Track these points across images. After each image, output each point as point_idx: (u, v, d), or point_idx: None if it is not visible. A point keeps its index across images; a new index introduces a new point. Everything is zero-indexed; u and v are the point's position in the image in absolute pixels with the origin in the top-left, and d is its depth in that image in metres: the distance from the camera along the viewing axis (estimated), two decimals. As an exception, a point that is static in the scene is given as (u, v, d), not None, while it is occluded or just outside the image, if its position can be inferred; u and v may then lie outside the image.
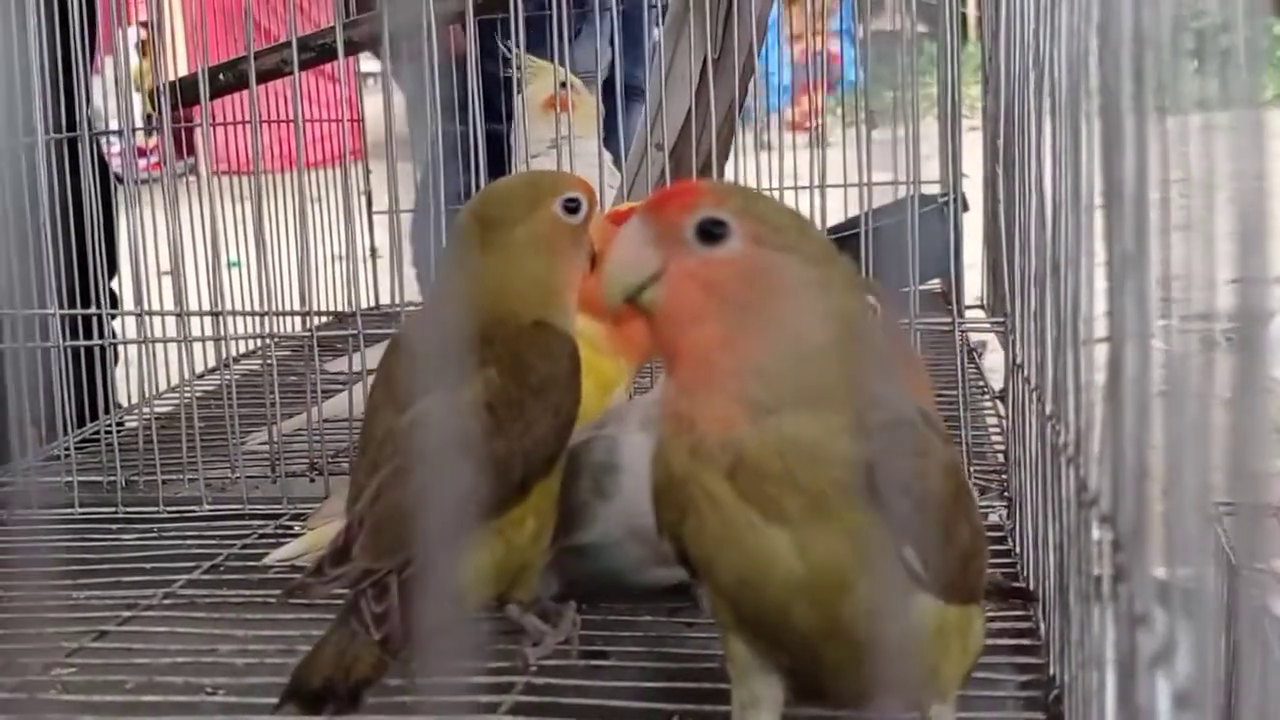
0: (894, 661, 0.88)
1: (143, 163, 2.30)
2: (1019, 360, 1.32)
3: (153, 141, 3.07)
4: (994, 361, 2.22)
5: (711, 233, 0.84)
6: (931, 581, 0.87)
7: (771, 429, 0.83)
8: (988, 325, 1.74)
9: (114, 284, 2.12)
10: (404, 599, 1.02)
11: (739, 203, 0.86)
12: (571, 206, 1.20)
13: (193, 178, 2.48)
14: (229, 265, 2.07)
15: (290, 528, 1.61)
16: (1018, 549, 1.39)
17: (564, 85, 2.08)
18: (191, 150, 3.02)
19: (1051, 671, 1.11)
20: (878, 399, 0.85)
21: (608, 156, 1.93)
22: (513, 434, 1.09)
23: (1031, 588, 1.26)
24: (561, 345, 1.16)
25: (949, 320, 1.69)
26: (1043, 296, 1.10)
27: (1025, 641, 1.21)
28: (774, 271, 0.84)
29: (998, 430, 1.86)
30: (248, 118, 1.89)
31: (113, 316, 1.83)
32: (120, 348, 1.98)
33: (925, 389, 1.14)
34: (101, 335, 1.81)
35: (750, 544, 0.85)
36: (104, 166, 1.96)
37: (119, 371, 2.09)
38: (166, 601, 1.41)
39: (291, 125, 1.69)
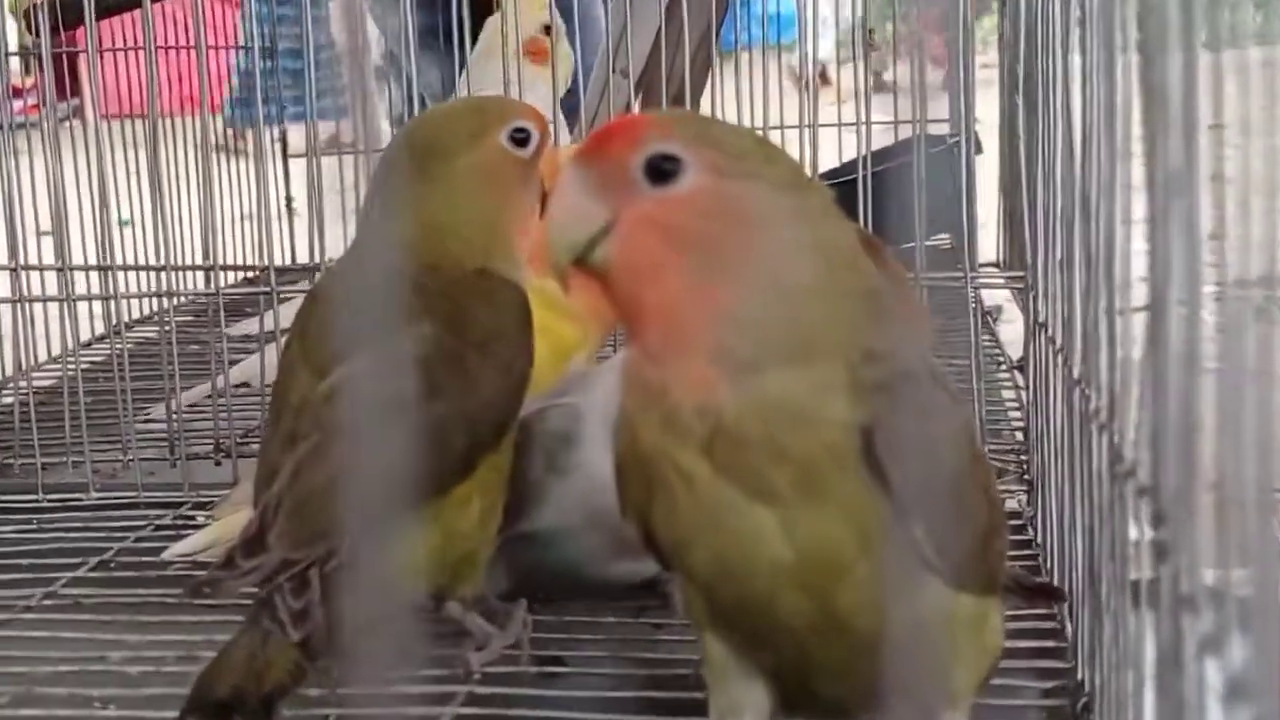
0: (899, 662, 0.87)
1: (18, 104, 2.27)
2: (1042, 319, 1.32)
3: (30, 80, 3.05)
4: (1011, 334, 2.23)
5: (663, 169, 0.83)
6: (944, 565, 0.86)
7: (753, 390, 0.82)
8: (1004, 281, 1.73)
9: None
10: (327, 595, 1.02)
11: (690, 130, 0.85)
12: (520, 137, 1.19)
13: (76, 122, 2.45)
14: (120, 224, 2.04)
15: (192, 518, 1.60)
16: (1040, 538, 1.39)
17: (547, 31, 2.07)
18: (76, 91, 2.99)
19: (1080, 676, 1.11)
20: (875, 348, 0.84)
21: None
22: (454, 396, 1.08)
23: (1057, 583, 1.25)
24: (508, 294, 1.15)
25: (960, 275, 1.66)
26: (1070, 240, 1.10)
27: (1049, 644, 1.21)
28: (740, 204, 0.83)
29: (1016, 405, 1.86)
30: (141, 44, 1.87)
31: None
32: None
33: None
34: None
35: (730, 526, 0.84)
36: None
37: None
38: (47, 603, 1.40)
39: (193, 55, 1.67)
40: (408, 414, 1.03)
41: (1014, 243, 2.21)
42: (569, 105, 2.54)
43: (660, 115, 0.91)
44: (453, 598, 1.17)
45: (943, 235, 2.69)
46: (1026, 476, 1.53)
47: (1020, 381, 1.93)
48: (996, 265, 2.42)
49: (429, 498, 1.08)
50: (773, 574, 0.84)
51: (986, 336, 1.99)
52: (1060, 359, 1.19)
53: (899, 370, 0.84)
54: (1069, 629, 1.19)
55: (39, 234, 1.87)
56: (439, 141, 1.17)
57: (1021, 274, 1.62)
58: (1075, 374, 1.09)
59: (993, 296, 2.28)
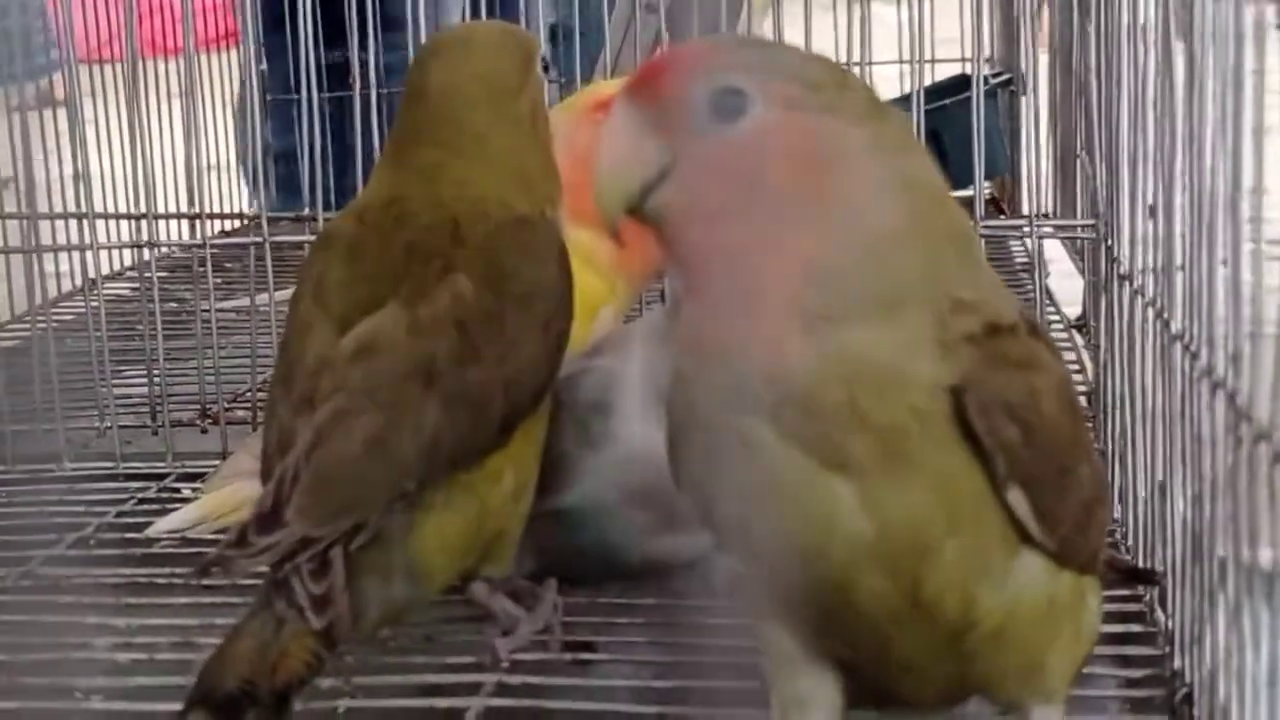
0: (991, 651, 0.85)
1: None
2: (1124, 269, 1.29)
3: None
4: (1062, 289, 2.20)
5: (727, 105, 0.80)
6: (1047, 536, 0.83)
7: (831, 348, 0.79)
8: (1078, 228, 1.69)
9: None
10: (350, 578, 0.99)
11: (755, 59, 0.82)
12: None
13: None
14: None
15: (177, 490, 1.58)
16: (1117, 513, 1.36)
17: None
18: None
19: (1177, 664, 1.09)
20: (964, 297, 0.82)
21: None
22: (491, 359, 1.06)
23: (1142, 560, 1.23)
24: (549, 244, 1.13)
25: (1021, 223, 1.64)
26: (1170, 182, 1.06)
27: (1133, 628, 1.19)
28: (816, 140, 0.80)
29: (1075, 366, 1.84)
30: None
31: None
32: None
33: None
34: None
35: (803, 500, 0.81)
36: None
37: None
38: (25, 583, 1.37)
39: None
40: (440, 378, 1.04)
41: (1067, 190, 2.19)
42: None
43: (720, 43, 0.88)
44: (480, 578, 1.15)
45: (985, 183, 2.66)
46: (1097, 445, 1.49)
47: (1080, 342, 1.91)
48: (1047, 215, 2.39)
49: (462, 469, 1.06)
50: (849, 553, 0.82)
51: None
52: (1152, 313, 1.16)
53: (991, 320, 0.82)
54: (1159, 613, 1.17)
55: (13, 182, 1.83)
56: (499, 72, 1.15)
57: (1084, 222, 1.59)
58: (1175, 329, 1.06)
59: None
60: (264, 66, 2.64)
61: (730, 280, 0.80)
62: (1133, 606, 1.21)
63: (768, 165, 0.80)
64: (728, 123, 0.80)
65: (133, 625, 1.25)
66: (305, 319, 1.09)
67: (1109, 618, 1.15)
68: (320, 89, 1.64)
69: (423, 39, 1.50)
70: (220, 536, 1.22)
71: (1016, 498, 0.82)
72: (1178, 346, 1.05)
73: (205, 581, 1.19)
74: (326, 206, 1.62)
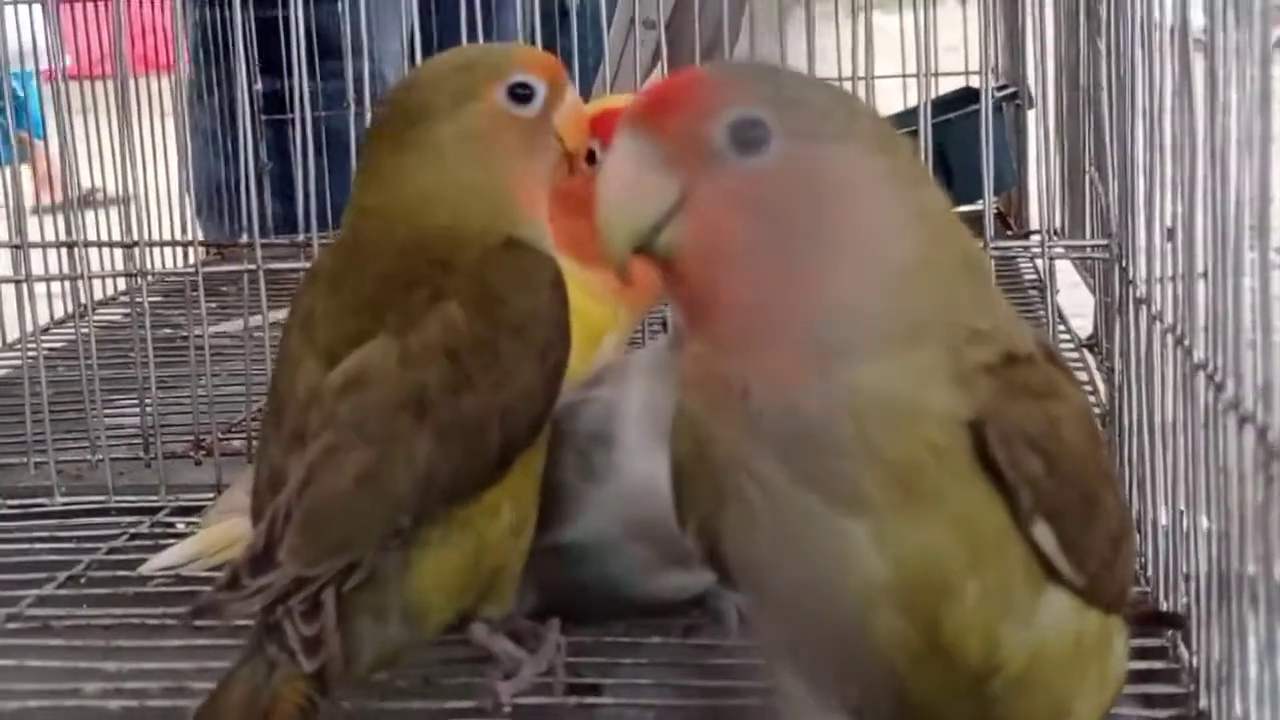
0: (1015, 696, 0.83)
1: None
2: (1141, 294, 1.26)
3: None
4: (1070, 308, 2.18)
5: (748, 137, 0.78)
6: (1075, 571, 0.82)
7: (845, 383, 0.77)
8: (1089, 248, 1.66)
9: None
10: (343, 619, 0.98)
11: (770, 89, 0.80)
12: (522, 93, 1.14)
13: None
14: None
15: (171, 525, 1.56)
16: (1137, 543, 1.32)
17: None
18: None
19: (1203, 704, 1.07)
20: (980, 326, 0.80)
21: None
22: (486, 388, 1.04)
23: (1163, 595, 1.21)
24: (541, 268, 1.10)
25: (1030, 244, 1.61)
26: (1190, 203, 1.03)
27: (1156, 664, 1.17)
28: (835, 172, 0.79)
29: (1088, 388, 1.81)
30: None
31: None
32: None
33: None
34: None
35: (814, 541, 0.80)
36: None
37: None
38: (11, 625, 1.34)
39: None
40: (433, 410, 1.01)
41: (1075, 206, 2.16)
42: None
43: (729, 71, 0.85)
44: (479, 618, 1.12)
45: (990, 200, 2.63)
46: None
47: (1092, 362, 1.88)
48: (1056, 233, 2.36)
49: (457, 504, 1.04)
50: (864, 595, 0.80)
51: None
52: (1171, 340, 1.13)
53: (1008, 350, 0.80)
54: (1183, 649, 1.14)
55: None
56: (422, 105, 1.12)
57: (1096, 242, 1.57)
58: (1198, 358, 1.03)
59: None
60: (258, 87, 2.64)
61: (743, 316, 0.78)
62: (1155, 642, 1.18)
63: (786, 199, 0.78)
64: (749, 155, 0.78)
65: (123, 669, 1.23)
66: (294, 353, 1.08)
67: (1130, 653, 1.12)
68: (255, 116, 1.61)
69: (361, 65, 1.47)
70: (214, 574, 1.21)
71: (1043, 532, 0.80)
72: (1200, 376, 1.02)
73: (199, 623, 1.16)
74: (263, 234, 1.60)
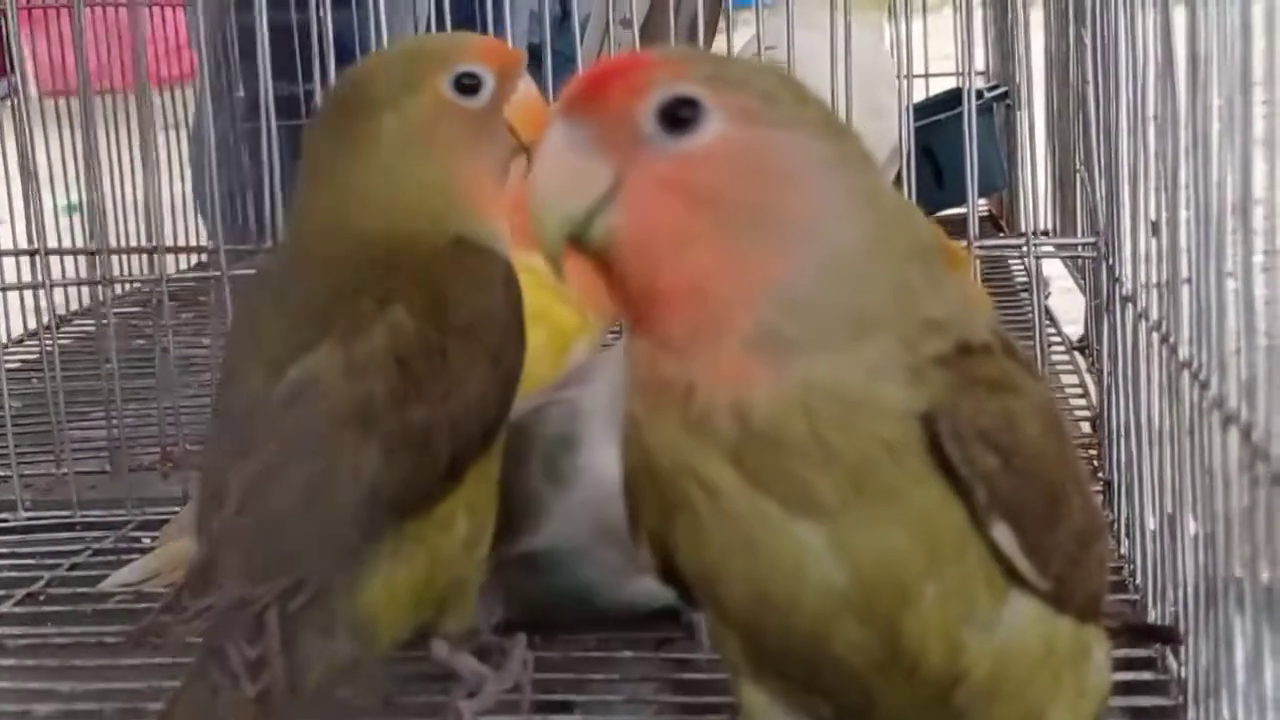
0: (984, 700, 0.80)
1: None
2: (1127, 290, 1.23)
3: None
4: (1063, 309, 2.15)
5: (680, 117, 0.75)
6: (1038, 573, 0.79)
7: (797, 377, 0.75)
8: (1078, 246, 1.62)
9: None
10: (288, 639, 0.95)
11: (707, 69, 0.77)
12: (468, 83, 1.10)
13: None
14: (67, 209, 1.97)
15: (137, 539, 1.53)
16: (1124, 550, 1.32)
17: None
18: (13, 67, 2.92)
19: (1191, 716, 1.04)
20: (933, 316, 0.77)
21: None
22: (434, 396, 1.01)
23: (1151, 601, 1.18)
24: (492, 268, 1.07)
25: (1018, 243, 1.58)
26: (1174, 198, 1.01)
27: (1144, 676, 1.13)
28: (777, 156, 0.76)
29: (1078, 391, 1.80)
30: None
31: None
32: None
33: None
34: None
35: (769, 547, 0.77)
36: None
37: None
38: (-33, 645, 1.32)
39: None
40: (380, 419, 0.98)
41: (1066, 206, 2.14)
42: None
43: (668, 52, 0.82)
44: (439, 635, 1.10)
45: (980, 199, 2.62)
46: (1101, 475, 1.45)
47: (1083, 365, 1.86)
48: (1046, 233, 2.34)
49: (408, 517, 1.01)
50: (823, 603, 0.78)
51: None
52: (1157, 337, 1.10)
53: (962, 340, 0.77)
54: (1171, 660, 1.12)
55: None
56: (362, 95, 1.09)
57: (1084, 240, 1.54)
58: (1184, 356, 1.00)
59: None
60: (240, 93, 2.62)
61: (688, 310, 0.75)
62: (1142, 652, 1.15)
63: (726, 182, 0.75)
64: (681, 136, 0.75)
65: (77, 690, 1.21)
66: (238, 364, 1.05)
67: (1117, 664, 1.09)
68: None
69: None
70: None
71: (1002, 532, 0.77)
72: (1185, 374, 1.00)
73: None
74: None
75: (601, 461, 1.12)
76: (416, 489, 1.01)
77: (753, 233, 0.74)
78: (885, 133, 1.67)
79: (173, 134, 2.69)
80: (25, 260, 1.74)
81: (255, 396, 1.00)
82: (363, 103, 1.08)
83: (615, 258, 0.76)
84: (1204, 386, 0.93)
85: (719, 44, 1.98)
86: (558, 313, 1.28)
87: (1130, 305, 1.23)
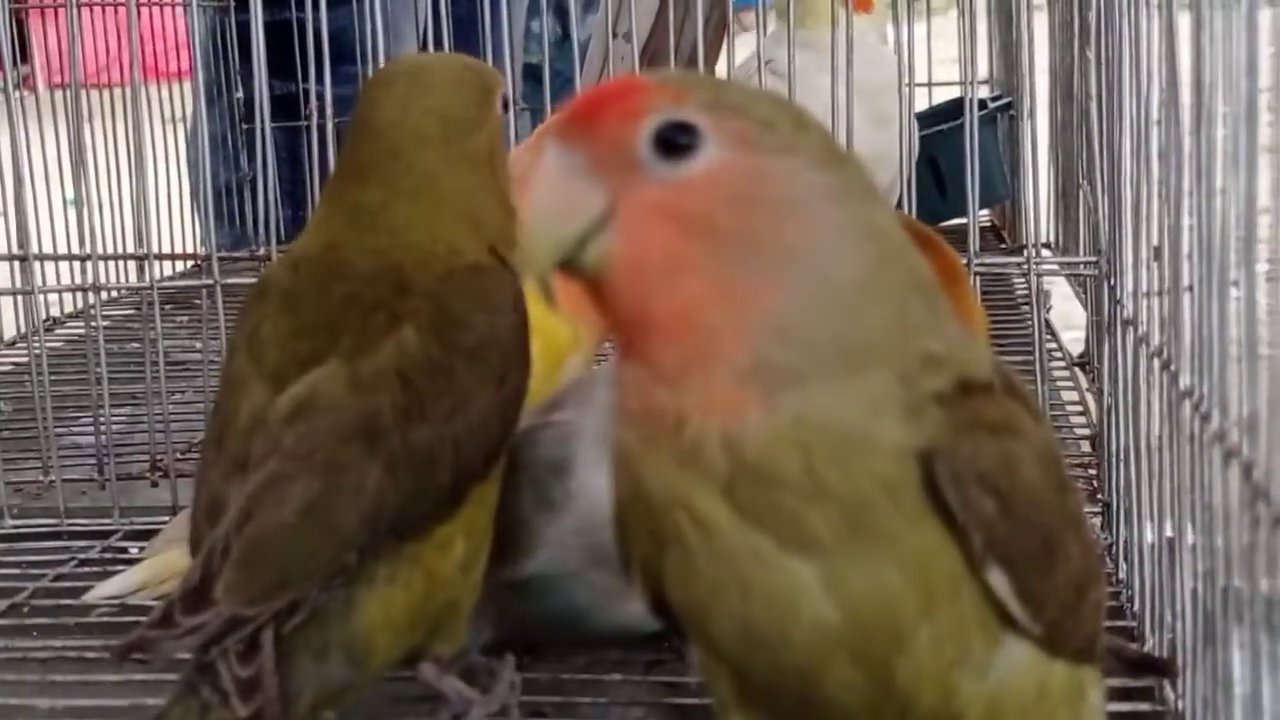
0: None
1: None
2: (1129, 314, 1.21)
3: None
4: (1062, 322, 2.14)
5: (675, 143, 0.74)
6: (1032, 619, 0.78)
7: (790, 411, 0.73)
8: (1080, 265, 1.60)
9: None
10: (281, 660, 0.94)
11: (707, 94, 0.76)
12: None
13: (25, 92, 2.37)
14: (73, 203, 1.95)
15: (124, 550, 1.52)
16: (1122, 574, 1.30)
17: None
18: (25, 58, 2.93)
19: None
20: (932, 351, 0.76)
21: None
22: (439, 416, 1.00)
23: (1148, 628, 1.17)
24: (503, 290, 1.07)
25: (1019, 259, 1.57)
26: (1176, 223, 1.00)
27: (1141, 707, 1.12)
28: (774, 183, 0.74)
29: (1078, 409, 1.79)
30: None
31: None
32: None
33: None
34: None
35: (761, 583, 0.76)
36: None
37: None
38: (-54, 658, 1.30)
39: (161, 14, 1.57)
40: (383, 438, 0.97)
41: (1069, 219, 2.12)
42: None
43: (666, 76, 0.80)
44: (428, 657, 1.09)
45: (982, 210, 2.61)
46: (1100, 496, 1.43)
47: (1084, 383, 1.84)
48: (1048, 246, 2.32)
49: (406, 539, 1.00)
50: (815, 642, 0.77)
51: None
52: (1158, 364, 1.08)
53: (963, 378, 0.76)
54: (1169, 691, 1.10)
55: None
56: (453, 110, 1.09)
57: (1086, 259, 1.52)
58: (1184, 384, 0.98)
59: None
60: (238, 95, 2.61)
61: (680, 339, 0.74)
62: (1141, 682, 1.13)
63: (724, 211, 0.73)
64: (676, 163, 0.73)
65: (57, 706, 1.20)
66: (239, 375, 1.03)
67: (1114, 694, 1.08)
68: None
69: (371, 70, 1.44)
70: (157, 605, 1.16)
71: (997, 577, 0.76)
72: (1186, 404, 0.98)
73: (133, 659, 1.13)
74: (280, 241, 1.55)
75: (594, 487, 1.10)
76: (418, 510, 0.99)
77: (747, 262, 0.73)
78: (890, 142, 1.66)
79: (171, 129, 2.68)
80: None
81: (256, 409, 0.99)
82: (451, 119, 1.08)
83: (607, 283, 0.75)
84: (1205, 419, 0.92)
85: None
86: (551, 326, 1.27)
87: (1131, 329, 1.21)
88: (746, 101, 0.76)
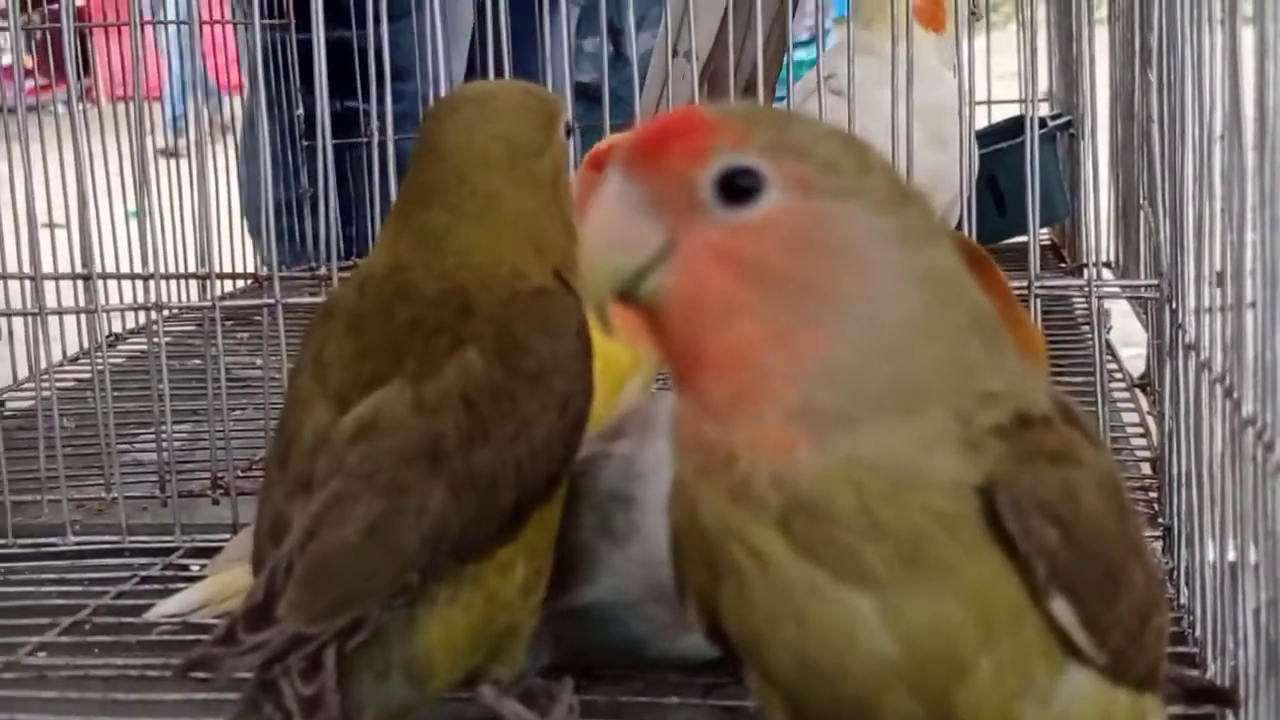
0: None
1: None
2: (1190, 338, 1.20)
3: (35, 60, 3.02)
4: (1123, 340, 2.12)
5: (739, 186, 0.74)
6: (1097, 648, 0.78)
7: (842, 451, 0.74)
8: (1141, 287, 1.59)
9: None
10: (343, 679, 0.94)
11: (769, 134, 0.76)
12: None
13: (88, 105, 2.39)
14: (128, 216, 1.96)
15: (185, 567, 1.52)
16: (1183, 599, 1.29)
17: None
18: (88, 70, 2.95)
19: None
20: (990, 388, 0.76)
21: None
22: (502, 439, 1.00)
23: (1210, 655, 1.15)
24: (567, 314, 1.07)
25: (1079, 282, 1.56)
26: (1240, 248, 0.99)
27: None
28: (834, 230, 0.74)
29: (1139, 431, 1.77)
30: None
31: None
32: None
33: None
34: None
35: (817, 616, 0.76)
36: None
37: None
38: (7, 675, 1.30)
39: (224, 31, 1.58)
40: (447, 460, 0.97)
41: (1129, 238, 2.11)
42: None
43: (729, 114, 0.80)
44: (487, 679, 1.09)
45: (1041, 230, 2.59)
46: (1162, 520, 1.42)
47: (1144, 404, 1.83)
48: (1108, 265, 2.31)
49: (468, 561, 1.00)
50: (873, 673, 0.77)
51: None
52: (1220, 390, 1.07)
53: (1021, 412, 0.76)
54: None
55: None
56: (518, 135, 1.10)
57: (1147, 281, 1.52)
58: (1247, 412, 0.97)
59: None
60: (298, 112, 2.62)
61: (733, 377, 0.74)
62: (1200, 711, 1.10)
63: (781, 255, 0.74)
64: (738, 206, 0.74)
65: (119, 726, 1.20)
66: (303, 395, 1.04)
67: (1177, 720, 1.08)
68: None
69: (430, 88, 1.44)
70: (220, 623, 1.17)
71: (1060, 605, 0.76)
72: (1250, 432, 0.97)
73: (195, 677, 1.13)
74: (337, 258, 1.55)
75: (656, 520, 1.11)
76: (480, 532, 1.00)
77: (801, 307, 0.73)
78: (949, 164, 1.65)
79: (232, 140, 2.69)
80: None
81: (320, 429, 1.00)
82: (519, 142, 1.09)
83: (663, 317, 0.75)
84: (1268, 448, 0.91)
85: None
86: (611, 349, 1.26)
87: (1193, 353, 1.20)
88: (811, 142, 0.75)
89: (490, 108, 1.12)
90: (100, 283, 1.64)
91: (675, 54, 1.73)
